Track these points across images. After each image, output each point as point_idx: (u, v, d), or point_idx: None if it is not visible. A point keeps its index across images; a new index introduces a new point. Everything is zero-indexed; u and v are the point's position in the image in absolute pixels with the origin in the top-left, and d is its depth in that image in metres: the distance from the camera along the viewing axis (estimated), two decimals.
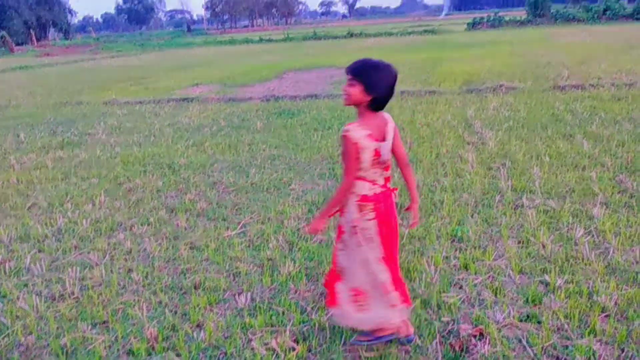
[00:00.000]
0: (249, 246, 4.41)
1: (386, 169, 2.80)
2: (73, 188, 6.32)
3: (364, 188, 2.77)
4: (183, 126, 9.64)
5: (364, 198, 2.77)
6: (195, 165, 6.95)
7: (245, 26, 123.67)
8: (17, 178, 6.83)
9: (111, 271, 4.12)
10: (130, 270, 4.12)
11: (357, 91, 2.63)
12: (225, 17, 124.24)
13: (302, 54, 26.53)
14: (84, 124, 10.49)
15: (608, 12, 42.80)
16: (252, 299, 3.54)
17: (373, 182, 2.76)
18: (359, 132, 2.64)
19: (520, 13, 51.62)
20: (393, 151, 2.81)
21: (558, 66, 14.13)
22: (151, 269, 4.12)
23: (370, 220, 2.77)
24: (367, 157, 2.68)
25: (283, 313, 3.36)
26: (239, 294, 3.61)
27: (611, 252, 3.86)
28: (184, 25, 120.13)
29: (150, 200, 5.74)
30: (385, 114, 2.78)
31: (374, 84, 2.63)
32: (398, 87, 10.38)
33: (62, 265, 4.30)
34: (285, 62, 22.34)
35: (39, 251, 4.62)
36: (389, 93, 2.69)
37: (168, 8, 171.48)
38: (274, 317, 3.31)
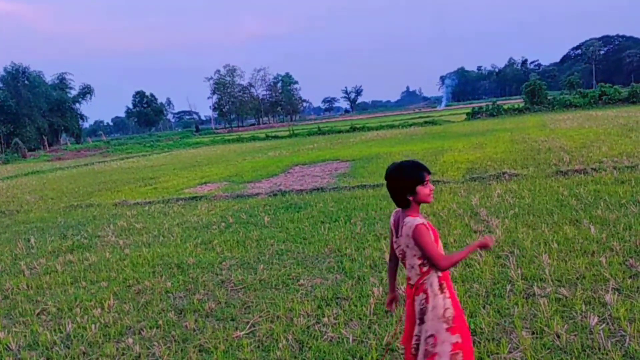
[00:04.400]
0: (258, 347, 4.35)
1: (404, 265, 3.02)
2: (82, 292, 6.32)
3: None
4: (191, 225, 9.74)
5: None
6: (203, 264, 6.96)
7: (252, 124, 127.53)
8: (27, 284, 6.84)
9: None
10: None
11: None
12: (232, 116, 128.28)
13: (307, 149, 27.14)
14: (94, 226, 10.62)
15: (604, 97, 44.01)
16: None
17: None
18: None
19: (518, 101, 53.14)
20: None
21: (559, 151, 14.37)
22: None
23: None
24: None
25: None
26: None
27: (627, 340, 3.79)
28: (192, 125, 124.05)
29: (159, 301, 5.72)
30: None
31: None
32: None
33: None
34: (291, 157, 22.84)
35: (48, 359, 4.56)
36: None
37: (177, 110, 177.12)
38: None
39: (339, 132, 44.48)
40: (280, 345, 4.29)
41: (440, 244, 2.98)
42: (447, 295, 2.93)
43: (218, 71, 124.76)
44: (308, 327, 4.60)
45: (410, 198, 2.93)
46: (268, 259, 6.92)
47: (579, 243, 6.13)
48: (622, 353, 3.63)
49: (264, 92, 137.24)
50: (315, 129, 48.86)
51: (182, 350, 4.45)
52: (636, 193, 8.41)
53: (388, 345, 3.99)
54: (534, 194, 9.18)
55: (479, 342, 4.00)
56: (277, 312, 5.04)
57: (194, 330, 4.83)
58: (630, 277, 4.99)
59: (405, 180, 2.92)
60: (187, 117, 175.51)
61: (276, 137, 47.22)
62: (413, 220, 2.89)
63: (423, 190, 2.91)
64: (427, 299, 2.92)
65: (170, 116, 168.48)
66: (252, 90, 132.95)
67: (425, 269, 2.93)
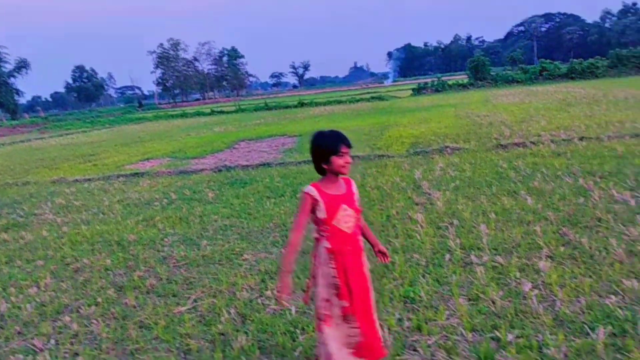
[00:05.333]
0: (200, 321, 4.31)
1: None
2: (17, 271, 6.09)
3: None
4: (133, 202, 9.52)
5: None
6: (145, 241, 6.82)
7: (197, 99, 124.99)
8: None
9: (56, 357, 3.95)
10: (76, 355, 3.96)
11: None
12: (177, 91, 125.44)
13: (253, 124, 26.90)
14: (31, 204, 10.23)
15: (545, 73, 45.38)
16: None
17: None
18: None
19: (463, 77, 54.00)
20: None
21: (500, 126, 14.74)
22: (98, 352, 3.97)
23: None
24: None
25: None
26: None
27: (558, 304, 3.94)
28: (135, 100, 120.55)
29: (98, 279, 5.57)
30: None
31: None
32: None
33: (4, 354, 4.09)
34: (237, 132, 22.58)
35: None
36: None
37: (119, 85, 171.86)
38: None
39: (287, 107, 44.23)
40: (222, 319, 4.26)
41: (340, 214, 2.97)
42: (332, 266, 2.98)
43: (161, 45, 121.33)
44: (251, 301, 4.59)
45: (325, 167, 2.97)
46: (211, 235, 6.85)
47: (515, 213, 6.33)
48: (552, 317, 3.77)
49: (210, 67, 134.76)
50: (262, 104, 48.39)
51: (121, 327, 4.36)
52: (571, 165, 8.73)
53: None
54: (474, 167, 9.40)
55: (418, 310, 4.09)
56: (219, 287, 4.99)
57: (134, 307, 4.74)
58: (562, 244, 5.18)
59: (321, 149, 2.97)
60: (130, 92, 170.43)
61: (222, 112, 46.54)
62: (304, 188, 3.01)
63: (337, 160, 2.93)
64: (317, 265, 3.04)
65: (112, 91, 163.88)
66: (197, 64, 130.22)
67: (317, 235, 3.02)
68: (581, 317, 3.74)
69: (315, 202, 2.97)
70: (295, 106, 44.03)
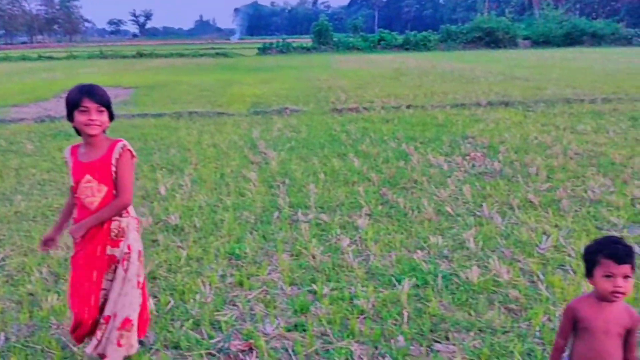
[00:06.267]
0: (7, 282, 3.97)
1: None
2: None
3: (134, 211, 2.82)
4: None
5: (139, 221, 2.84)
6: None
7: (24, 42, 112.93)
8: None
9: None
10: None
11: (106, 119, 2.64)
12: (0, 32, 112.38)
13: (86, 73, 25.07)
14: None
15: (382, 42, 47.69)
16: (7, 339, 3.19)
17: None
18: None
19: (307, 40, 54.79)
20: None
21: (337, 90, 15.26)
22: None
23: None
24: None
25: (42, 351, 3.08)
26: None
27: (371, 258, 4.24)
28: None
29: None
30: None
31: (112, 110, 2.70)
32: (187, 108, 10.42)
33: None
34: (66, 81, 20.84)
35: None
36: None
37: None
38: (30, 357, 3.01)
39: (124, 57, 41.81)
40: (32, 278, 3.96)
41: (82, 185, 2.64)
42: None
43: None
44: (65, 260, 4.30)
45: (73, 125, 2.61)
46: (27, 190, 6.32)
47: (343, 174, 6.64)
48: (365, 270, 4.04)
49: (39, 7, 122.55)
50: (97, 52, 45.23)
51: None
52: (397, 131, 9.31)
53: None
54: (310, 129, 9.66)
55: (242, 266, 4.15)
56: (32, 245, 4.63)
57: None
58: (381, 204, 5.55)
59: (66, 102, 2.59)
60: None
61: (51, 58, 42.63)
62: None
63: (78, 117, 2.54)
64: None
65: None
66: (24, 3, 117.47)
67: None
68: (390, 270, 4.05)
69: (67, 164, 2.69)
70: (134, 56, 41.76)
